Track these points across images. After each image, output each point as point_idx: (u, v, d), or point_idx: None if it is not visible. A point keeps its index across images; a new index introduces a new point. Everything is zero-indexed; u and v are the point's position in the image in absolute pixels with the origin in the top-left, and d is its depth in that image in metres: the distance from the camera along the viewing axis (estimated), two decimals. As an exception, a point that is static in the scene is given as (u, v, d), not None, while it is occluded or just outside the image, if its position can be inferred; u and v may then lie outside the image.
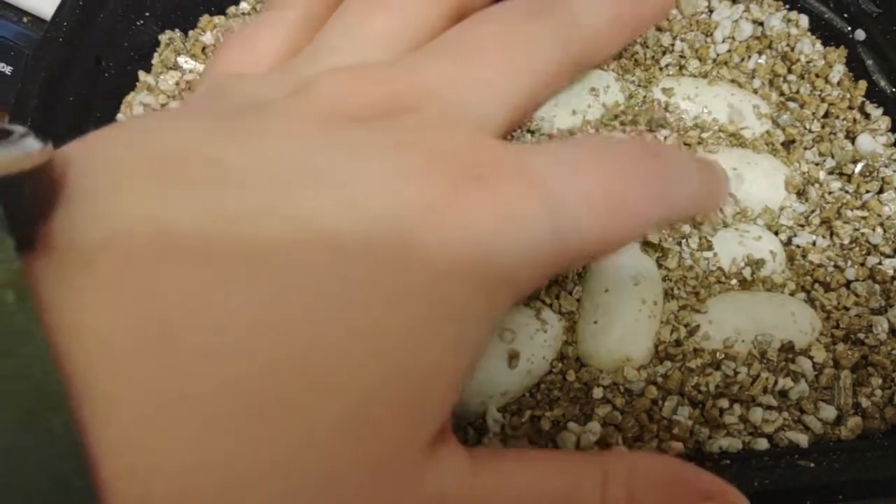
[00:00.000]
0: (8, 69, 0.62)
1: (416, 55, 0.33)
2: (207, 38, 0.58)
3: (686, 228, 0.50)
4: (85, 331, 0.21)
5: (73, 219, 0.23)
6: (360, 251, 0.24)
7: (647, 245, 0.49)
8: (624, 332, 0.44)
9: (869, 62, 0.59)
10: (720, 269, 0.49)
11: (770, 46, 0.60)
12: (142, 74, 0.56)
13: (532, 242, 0.28)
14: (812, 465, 0.41)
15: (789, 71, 0.59)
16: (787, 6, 0.62)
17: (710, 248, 0.49)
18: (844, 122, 0.57)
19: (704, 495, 0.34)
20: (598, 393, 0.44)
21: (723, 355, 0.45)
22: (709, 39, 0.60)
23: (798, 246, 0.52)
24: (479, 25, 0.34)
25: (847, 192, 0.54)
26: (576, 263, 0.44)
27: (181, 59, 0.57)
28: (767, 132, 0.55)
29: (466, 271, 0.26)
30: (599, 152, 0.31)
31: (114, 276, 0.22)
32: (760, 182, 0.52)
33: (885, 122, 0.56)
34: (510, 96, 0.33)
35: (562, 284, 0.47)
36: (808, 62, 0.59)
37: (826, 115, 0.57)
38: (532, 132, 0.53)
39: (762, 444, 0.43)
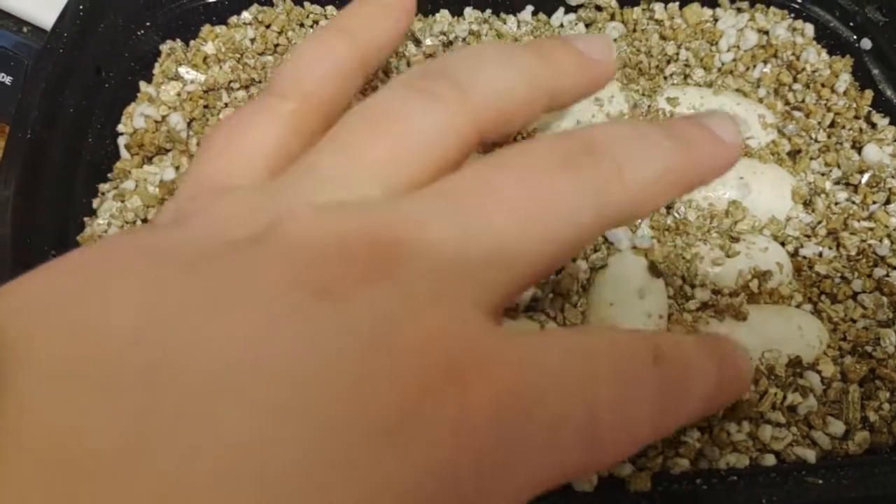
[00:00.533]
0: (8, 79, 0.62)
1: (413, 198, 0.27)
2: (209, 48, 0.58)
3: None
4: None
5: None
6: (293, 497, 0.21)
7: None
8: (629, 346, 0.44)
9: (875, 71, 0.59)
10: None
11: (775, 55, 0.60)
12: (143, 85, 0.56)
13: (521, 447, 0.24)
14: (820, 481, 0.40)
15: (795, 80, 0.59)
16: (793, 15, 0.62)
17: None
18: (851, 132, 0.56)
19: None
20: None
21: None
22: (714, 48, 0.60)
23: (805, 257, 0.51)
24: (498, 170, 0.28)
25: (853, 202, 0.53)
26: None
27: (182, 70, 0.56)
28: (773, 142, 0.55)
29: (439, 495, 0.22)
30: (608, 363, 0.27)
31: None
32: (767, 192, 0.52)
33: (891, 132, 0.56)
34: (520, 264, 0.27)
35: (566, 297, 0.47)
36: (813, 71, 0.59)
37: (832, 125, 0.57)
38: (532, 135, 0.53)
39: (769, 459, 0.42)
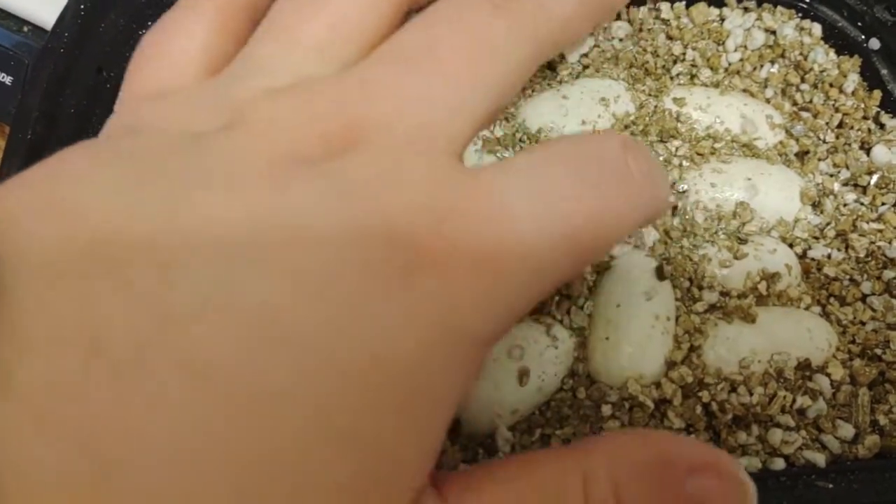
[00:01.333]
0: (8, 79, 0.61)
1: (362, 68, 0.28)
2: (211, 47, 0.57)
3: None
4: (4, 468, 0.19)
5: None
6: (316, 345, 0.21)
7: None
8: (636, 348, 0.43)
9: (884, 71, 0.58)
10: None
11: (783, 55, 0.59)
12: (144, 84, 0.56)
13: (510, 296, 0.25)
14: (830, 485, 0.40)
15: (802, 80, 0.58)
16: (800, 14, 0.61)
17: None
18: (859, 133, 0.56)
19: (691, 469, 0.32)
20: (606, 410, 0.43)
21: (740, 377, 0.44)
22: (720, 48, 0.59)
23: (813, 259, 0.51)
24: (433, 25, 0.29)
25: (862, 204, 0.53)
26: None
27: (184, 69, 0.56)
28: (781, 142, 0.55)
29: (440, 346, 0.24)
30: (576, 164, 0.28)
31: (34, 397, 0.19)
32: (775, 194, 0.51)
33: (900, 133, 0.55)
34: (477, 108, 0.29)
35: (572, 299, 0.46)
36: (821, 71, 0.58)
37: (840, 126, 0.57)
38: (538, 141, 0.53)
39: (779, 463, 0.42)
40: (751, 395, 0.43)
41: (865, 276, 0.50)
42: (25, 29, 0.63)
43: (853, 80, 0.58)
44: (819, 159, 0.54)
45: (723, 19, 0.61)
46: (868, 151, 0.55)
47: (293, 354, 0.21)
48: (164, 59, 0.31)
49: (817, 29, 0.60)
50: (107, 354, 0.20)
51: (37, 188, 0.24)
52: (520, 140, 0.53)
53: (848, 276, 0.50)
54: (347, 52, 0.29)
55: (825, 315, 0.48)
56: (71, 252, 0.22)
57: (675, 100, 0.55)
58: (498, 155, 0.52)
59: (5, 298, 0.20)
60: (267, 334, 0.21)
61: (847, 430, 0.43)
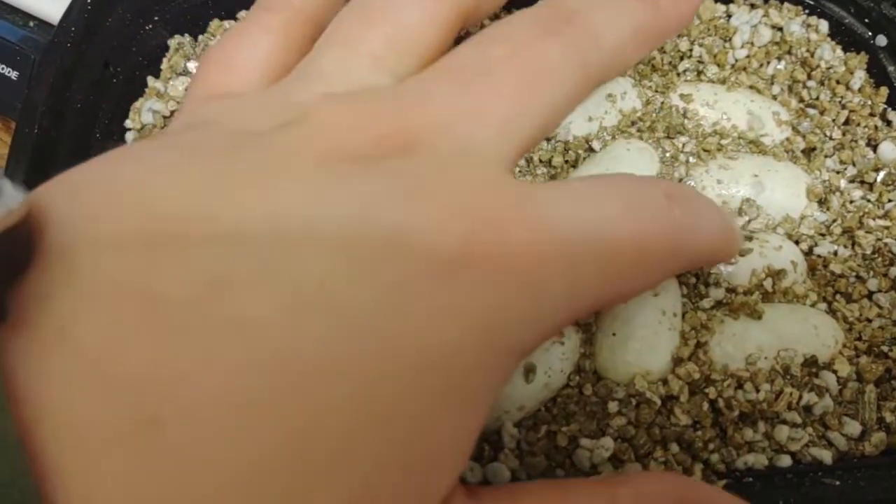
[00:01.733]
0: (14, 74, 0.61)
1: (420, 80, 0.30)
2: (217, 42, 0.57)
3: None
4: (57, 419, 0.19)
5: (49, 283, 0.21)
6: (367, 322, 0.22)
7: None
8: (643, 344, 0.43)
9: (890, 68, 0.58)
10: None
11: (789, 52, 0.59)
12: (150, 80, 0.56)
13: (547, 307, 0.26)
14: (837, 483, 0.40)
15: (809, 77, 0.58)
16: (807, 11, 0.61)
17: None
18: (866, 130, 0.56)
19: None
20: (613, 407, 0.43)
21: (747, 374, 0.44)
22: (727, 45, 0.59)
23: (819, 256, 0.51)
24: (489, 46, 0.30)
25: (869, 200, 0.53)
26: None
27: (191, 65, 0.56)
28: (787, 139, 0.55)
29: (479, 343, 0.24)
30: (623, 196, 0.29)
31: (90, 350, 0.20)
32: (781, 190, 0.51)
33: (907, 130, 0.55)
34: (525, 127, 0.30)
35: (579, 296, 0.46)
36: (828, 68, 0.58)
37: (847, 122, 0.56)
38: (548, 138, 0.53)
39: (785, 460, 0.42)
40: (757, 391, 0.43)
41: (872, 273, 0.50)
42: (31, 24, 0.63)
43: (860, 77, 0.58)
44: (826, 156, 0.54)
45: (729, 16, 0.61)
46: (875, 148, 0.55)
47: (344, 327, 0.22)
48: (229, 68, 0.32)
49: (824, 25, 0.60)
50: (163, 311, 0.21)
51: (100, 167, 0.26)
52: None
53: (854, 273, 0.50)
54: (405, 65, 0.30)
55: (831, 312, 0.48)
56: (131, 222, 0.22)
57: (681, 96, 0.55)
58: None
59: (66, 258, 0.21)
60: (320, 307, 0.22)
61: (853, 427, 0.43)
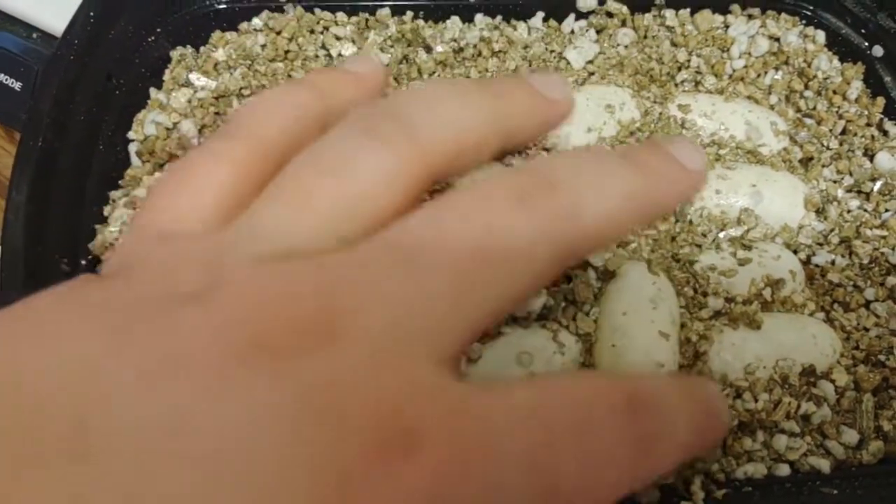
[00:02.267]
0: (17, 85, 0.62)
1: (362, 250, 0.26)
2: (219, 54, 0.58)
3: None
4: None
5: None
6: None
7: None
8: (642, 356, 0.44)
9: (887, 79, 0.59)
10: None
11: (787, 62, 0.60)
12: (153, 91, 0.56)
13: None
14: (835, 491, 0.40)
15: (806, 87, 0.59)
16: (804, 22, 0.62)
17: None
18: (863, 140, 0.56)
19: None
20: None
21: (746, 383, 0.44)
22: (725, 55, 0.60)
23: (817, 265, 0.51)
24: (446, 218, 0.27)
25: (866, 210, 0.53)
26: None
27: (193, 76, 0.56)
28: (785, 149, 0.55)
29: None
30: (574, 420, 0.26)
31: None
32: (779, 200, 0.52)
33: (904, 140, 0.56)
34: (473, 316, 0.26)
35: (579, 306, 0.47)
36: (825, 78, 0.59)
37: (844, 132, 0.57)
38: (547, 149, 0.53)
39: (784, 469, 0.42)
40: (756, 401, 0.43)
41: (869, 282, 0.50)
42: (34, 35, 0.63)
43: (857, 87, 0.58)
44: (823, 166, 0.55)
45: (727, 26, 0.61)
46: (871, 158, 0.56)
47: None
48: (181, 199, 0.30)
49: (821, 36, 0.61)
50: None
51: None
52: (526, 147, 0.53)
53: (852, 283, 0.50)
54: (354, 228, 0.28)
55: (829, 321, 0.49)
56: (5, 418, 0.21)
57: (679, 106, 0.55)
58: (505, 162, 0.52)
59: None
60: None
61: (851, 436, 0.44)
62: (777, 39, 0.60)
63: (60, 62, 0.51)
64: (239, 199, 0.30)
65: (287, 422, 0.21)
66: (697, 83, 0.58)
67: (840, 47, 0.60)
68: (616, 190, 0.30)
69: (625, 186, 0.31)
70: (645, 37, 0.60)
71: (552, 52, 0.59)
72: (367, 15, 0.60)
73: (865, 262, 0.51)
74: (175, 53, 0.58)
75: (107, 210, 0.51)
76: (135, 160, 0.53)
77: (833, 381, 0.45)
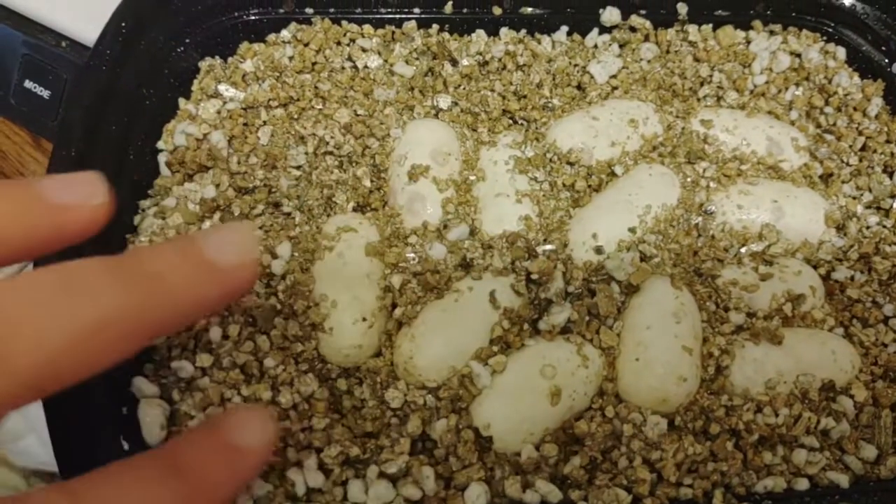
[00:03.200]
0: (45, 93, 0.63)
1: None
2: (247, 65, 0.58)
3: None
4: None
5: None
6: None
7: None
8: (665, 369, 0.44)
9: (907, 96, 0.59)
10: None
11: (807, 78, 0.60)
12: (182, 102, 0.57)
13: None
14: (854, 507, 0.41)
15: (826, 103, 0.59)
16: (825, 38, 0.62)
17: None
18: (882, 156, 0.57)
19: None
20: (628, 430, 0.43)
21: (766, 398, 0.45)
22: (747, 71, 0.60)
23: (836, 281, 0.52)
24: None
25: (885, 227, 0.54)
26: None
27: (221, 87, 0.57)
28: (805, 165, 0.56)
29: None
30: None
31: None
32: (800, 216, 0.52)
33: (922, 157, 0.56)
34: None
35: (602, 319, 0.47)
36: (845, 95, 0.59)
37: (863, 149, 0.58)
38: (572, 164, 0.54)
39: (803, 483, 0.43)
40: (776, 415, 0.44)
41: (888, 298, 0.51)
42: (64, 44, 0.64)
43: (877, 104, 0.59)
44: (843, 182, 0.55)
45: (749, 42, 0.62)
46: (891, 175, 0.56)
47: None
48: None
49: (842, 53, 0.61)
50: None
51: None
52: (550, 160, 0.54)
53: (870, 298, 0.51)
54: None
55: (848, 336, 0.49)
56: None
57: (702, 122, 0.56)
58: (529, 175, 0.53)
59: None
60: None
61: (870, 451, 0.44)
62: (798, 55, 0.61)
63: (92, 72, 0.52)
64: None
65: None
66: (719, 98, 0.59)
67: (861, 64, 0.61)
68: (77, 321, 0.27)
69: (98, 311, 0.27)
70: (668, 52, 0.61)
71: (576, 65, 0.60)
72: (393, 27, 0.61)
73: (884, 277, 0.51)
74: (204, 64, 0.59)
75: (136, 219, 0.51)
76: (164, 170, 0.54)
77: (852, 397, 0.46)
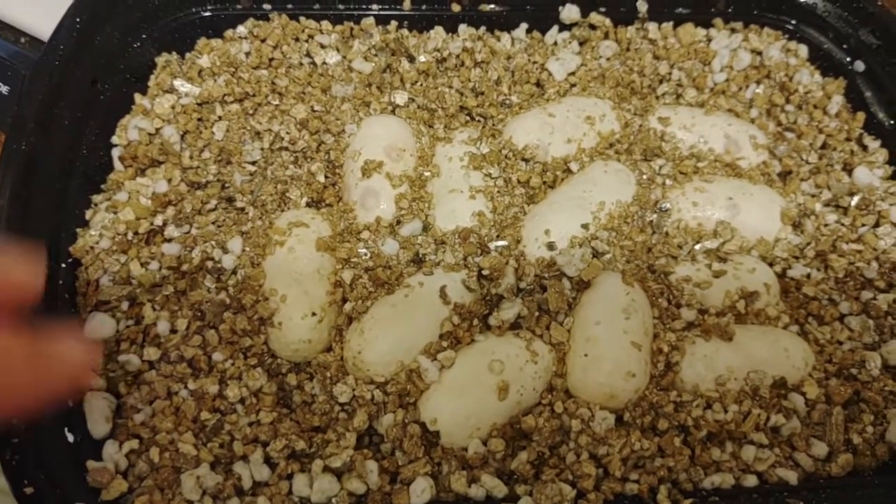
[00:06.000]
0: (5, 89, 0.62)
1: None
2: (204, 61, 0.58)
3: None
4: None
5: None
6: None
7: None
8: (614, 365, 0.44)
9: (868, 94, 0.59)
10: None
11: (768, 76, 0.60)
12: (138, 97, 0.56)
13: None
14: (802, 503, 0.40)
15: (787, 101, 0.59)
16: (787, 36, 0.62)
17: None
18: (842, 154, 0.57)
19: None
20: (576, 425, 0.43)
21: (716, 394, 0.44)
22: (706, 68, 0.60)
23: (792, 278, 0.51)
24: None
25: (843, 224, 0.53)
26: None
27: (177, 82, 0.57)
28: (764, 163, 0.55)
29: None
30: None
31: None
32: (756, 213, 0.52)
33: (882, 155, 0.56)
34: None
35: (552, 315, 0.47)
36: (806, 93, 0.59)
37: (823, 147, 0.57)
38: (527, 160, 0.53)
39: (752, 480, 0.42)
40: (725, 412, 0.44)
41: (844, 296, 0.50)
42: (23, 40, 0.63)
43: (837, 102, 0.59)
44: (802, 180, 0.55)
45: (710, 40, 0.61)
46: (850, 173, 0.56)
47: None
48: None
49: (803, 50, 0.61)
50: None
51: None
52: (505, 157, 0.54)
53: (826, 296, 0.50)
54: None
55: (803, 334, 0.49)
56: None
57: (660, 119, 0.56)
58: (484, 171, 0.52)
59: None
60: None
61: (820, 449, 0.44)
62: (759, 53, 0.61)
63: (46, 67, 0.51)
64: None
65: None
66: (678, 96, 0.59)
67: (822, 62, 0.61)
68: None
69: None
70: (627, 49, 0.61)
71: (535, 63, 0.60)
72: (351, 24, 0.61)
73: (841, 275, 0.51)
74: (161, 59, 0.58)
75: (88, 214, 0.51)
76: (117, 165, 0.53)
77: (804, 394, 0.46)
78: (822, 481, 0.44)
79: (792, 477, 0.43)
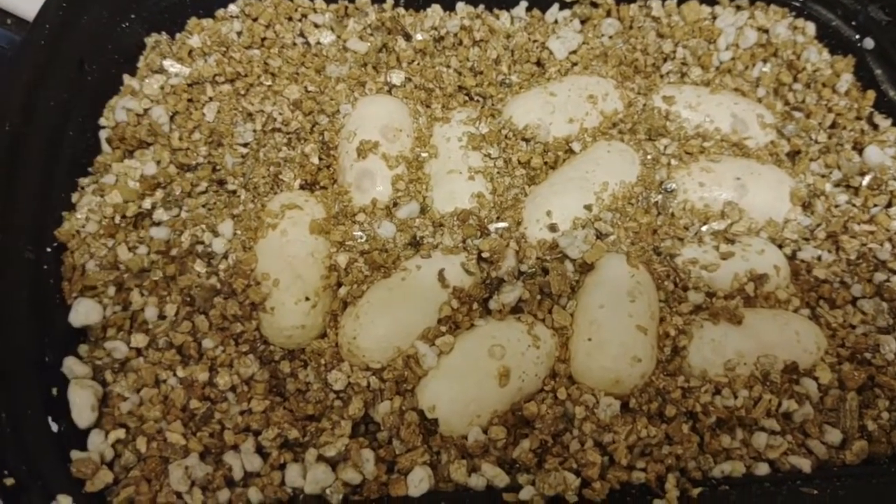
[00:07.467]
0: (-9, 71, 0.61)
1: None
2: (194, 41, 0.57)
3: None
4: None
5: None
6: None
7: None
8: (619, 350, 0.42)
9: (878, 71, 0.58)
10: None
11: (775, 54, 0.59)
12: (126, 78, 0.55)
13: None
14: (815, 492, 0.39)
15: (795, 80, 0.58)
16: (794, 13, 0.61)
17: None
18: (852, 133, 0.55)
19: None
20: (580, 412, 0.42)
21: (725, 379, 0.43)
22: (712, 47, 0.59)
23: (803, 261, 0.50)
24: None
25: (854, 205, 0.52)
26: None
27: (167, 63, 0.55)
28: (772, 142, 0.54)
29: None
30: None
31: None
32: (764, 194, 0.51)
33: (893, 134, 0.55)
34: None
35: (555, 298, 0.45)
36: (814, 71, 0.58)
37: (833, 126, 0.56)
38: (527, 140, 0.52)
39: (763, 468, 0.41)
40: (735, 397, 0.42)
41: (856, 278, 0.49)
42: (8, 21, 0.62)
43: (847, 80, 0.57)
44: (811, 159, 0.54)
45: (715, 17, 0.60)
46: (861, 152, 0.54)
47: None
48: None
49: (811, 28, 0.60)
50: None
51: None
52: (505, 137, 0.52)
53: (838, 279, 0.49)
54: None
55: (814, 318, 0.47)
56: None
57: (664, 98, 0.54)
58: (483, 151, 0.51)
59: None
60: None
61: (834, 436, 0.42)
62: (766, 31, 0.59)
63: (31, 47, 0.50)
64: None
65: None
66: (683, 75, 0.57)
67: (830, 39, 0.60)
68: None
69: None
70: (630, 27, 0.60)
71: (535, 41, 0.58)
72: (346, 2, 0.59)
73: (853, 257, 0.50)
74: (150, 40, 0.57)
75: (75, 197, 0.49)
76: (105, 147, 0.52)
77: (816, 379, 0.44)
78: (836, 469, 0.42)
79: (805, 465, 0.42)
